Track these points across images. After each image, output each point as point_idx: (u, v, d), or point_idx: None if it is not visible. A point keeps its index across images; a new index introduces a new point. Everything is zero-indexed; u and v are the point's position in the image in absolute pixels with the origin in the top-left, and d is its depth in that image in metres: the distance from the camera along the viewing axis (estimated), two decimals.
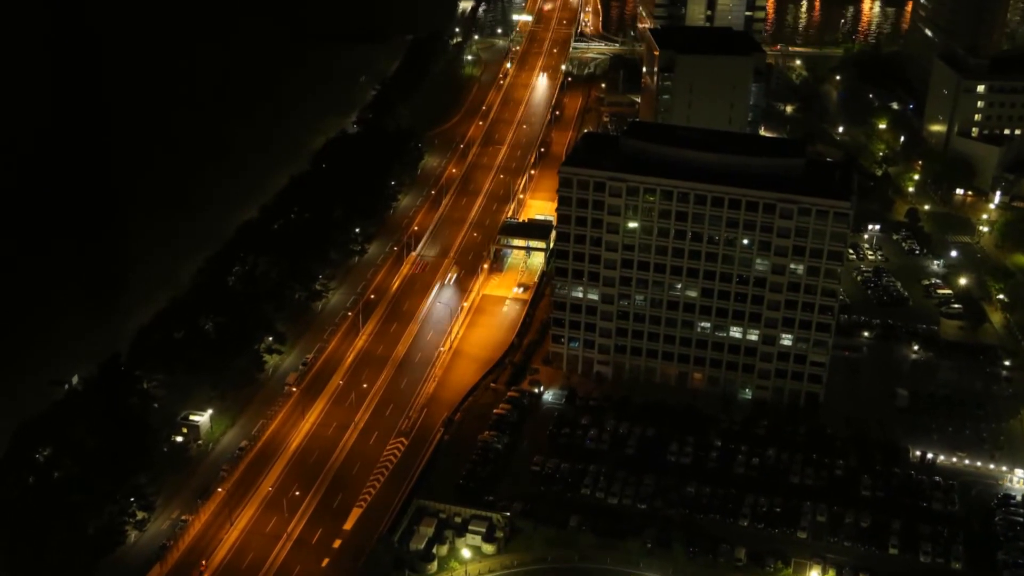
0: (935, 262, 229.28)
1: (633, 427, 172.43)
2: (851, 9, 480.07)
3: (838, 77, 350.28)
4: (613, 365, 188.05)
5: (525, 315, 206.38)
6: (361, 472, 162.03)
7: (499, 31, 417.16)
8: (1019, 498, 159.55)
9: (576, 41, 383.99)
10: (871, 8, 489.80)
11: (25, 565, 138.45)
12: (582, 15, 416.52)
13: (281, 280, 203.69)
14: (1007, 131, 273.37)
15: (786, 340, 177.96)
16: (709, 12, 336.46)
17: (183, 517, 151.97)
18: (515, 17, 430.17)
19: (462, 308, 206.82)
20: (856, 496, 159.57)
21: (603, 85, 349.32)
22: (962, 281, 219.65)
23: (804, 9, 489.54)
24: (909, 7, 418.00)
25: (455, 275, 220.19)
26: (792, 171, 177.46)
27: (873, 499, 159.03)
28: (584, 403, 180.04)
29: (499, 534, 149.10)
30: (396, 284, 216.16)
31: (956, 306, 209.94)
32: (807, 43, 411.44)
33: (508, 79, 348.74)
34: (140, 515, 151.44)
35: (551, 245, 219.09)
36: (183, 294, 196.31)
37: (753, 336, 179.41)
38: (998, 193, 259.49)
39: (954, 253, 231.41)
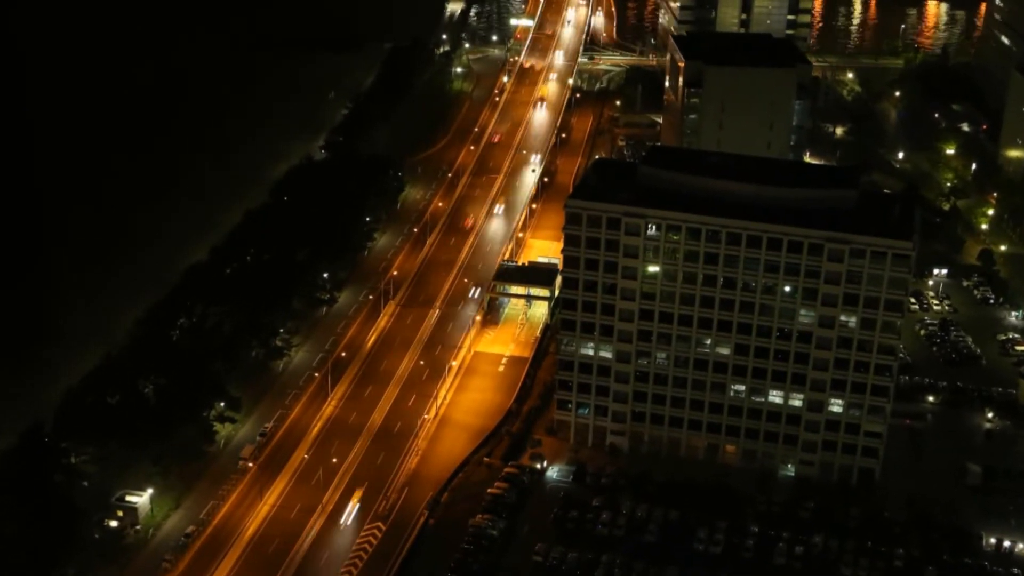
0: (1013, 313, 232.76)
1: (653, 509, 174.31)
2: (913, 12, 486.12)
3: (897, 93, 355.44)
4: (630, 436, 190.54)
5: (525, 376, 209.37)
6: (330, 563, 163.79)
7: (494, 38, 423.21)
8: None
9: (586, 50, 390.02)
10: (937, 11, 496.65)
11: None
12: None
13: (235, 335, 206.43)
14: None
15: (835, 406, 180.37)
16: (744, 16, 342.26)
17: None
18: (513, 22, 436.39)
19: (450, 368, 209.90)
20: None
21: (618, 102, 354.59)
22: None
23: (857, 12, 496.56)
24: (982, 10, 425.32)
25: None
26: (843, 205, 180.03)
27: None
28: (595, 481, 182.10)
29: None
30: (372, 339, 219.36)
31: None
32: (861, 52, 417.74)
33: (505, 95, 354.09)
34: None
35: (556, 293, 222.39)
36: (119, 351, 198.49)
37: (796, 401, 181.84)
38: None
39: None
